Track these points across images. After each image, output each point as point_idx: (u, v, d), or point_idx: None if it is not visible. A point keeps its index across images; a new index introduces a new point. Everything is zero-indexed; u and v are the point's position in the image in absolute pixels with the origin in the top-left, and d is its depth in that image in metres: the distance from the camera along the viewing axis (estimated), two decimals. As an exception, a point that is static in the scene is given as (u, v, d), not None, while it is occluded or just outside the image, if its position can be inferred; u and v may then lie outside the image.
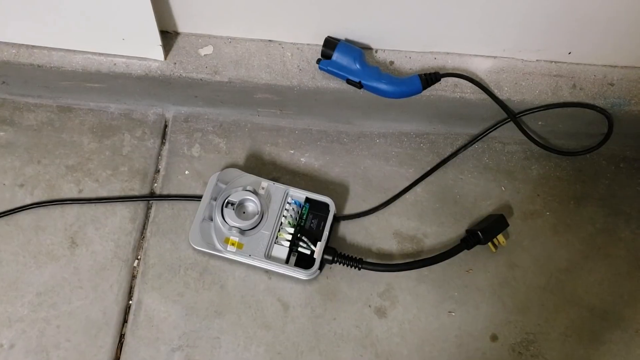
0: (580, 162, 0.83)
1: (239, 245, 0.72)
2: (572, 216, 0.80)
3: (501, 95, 0.76)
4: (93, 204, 0.77)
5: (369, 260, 0.73)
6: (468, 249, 0.75)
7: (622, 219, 0.80)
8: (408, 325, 0.73)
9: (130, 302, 0.73)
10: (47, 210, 0.77)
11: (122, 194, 0.78)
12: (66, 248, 0.75)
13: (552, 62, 0.77)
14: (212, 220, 0.73)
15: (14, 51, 0.76)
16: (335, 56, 0.74)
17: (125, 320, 0.72)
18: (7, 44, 0.76)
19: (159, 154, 0.81)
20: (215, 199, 0.73)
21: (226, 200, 0.72)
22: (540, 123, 0.80)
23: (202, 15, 0.75)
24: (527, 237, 0.78)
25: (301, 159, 0.81)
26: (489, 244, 0.75)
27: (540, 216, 0.79)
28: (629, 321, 0.74)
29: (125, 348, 0.71)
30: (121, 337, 0.72)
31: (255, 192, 0.73)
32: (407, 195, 0.80)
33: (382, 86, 0.73)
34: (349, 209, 0.79)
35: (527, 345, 0.73)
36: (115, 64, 0.76)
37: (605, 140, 0.80)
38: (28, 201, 0.77)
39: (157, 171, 0.80)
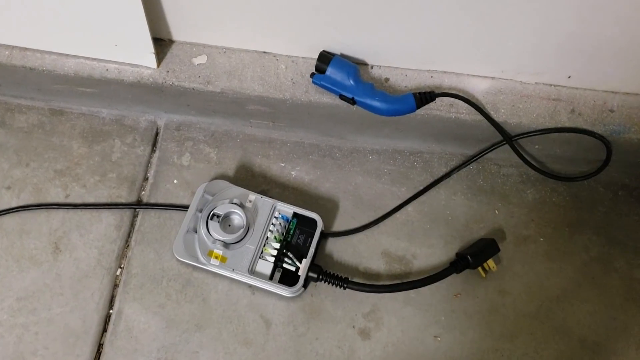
0: (578, 188, 0.81)
1: (223, 259, 0.71)
2: (567, 243, 0.78)
3: (497, 117, 0.74)
4: (79, 210, 0.77)
5: (355, 280, 0.72)
6: (457, 273, 0.73)
7: (618, 248, 0.78)
8: (392, 349, 0.71)
9: (111, 311, 0.72)
10: (33, 214, 0.76)
11: (109, 200, 0.77)
12: (49, 253, 0.74)
13: (551, 85, 0.76)
14: (196, 232, 0.71)
15: (7, 53, 0.76)
16: (330, 71, 0.72)
17: (104, 330, 0.71)
18: (0, 45, 0.76)
19: (149, 162, 0.80)
20: (201, 211, 0.72)
21: (212, 213, 0.71)
22: (537, 147, 0.79)
23: (197, 24, 0.74)
24: (518, 263, 0.76)
25: (292, 173, 0.80)
26: (479, 268, 0.73)
27: (533, 242, 0.77)
28: (621, 355, 0.72)
29: (103, 358, 0.70)
30: (99, 346, 0.71)
31: (241, 205, 0.72)
32: (397, 215, 0.78)
33: (376, 104, 0.72)
34: (337, 226, 0.77)
35: (514, 375, 0.71)
36: (107, 70, 0.76)
37: (603, 167, 0.78)
38: (14, 204, 0.76)
39: (146, 179, 0.79)
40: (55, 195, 0.77)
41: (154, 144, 0.81)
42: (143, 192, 0.78)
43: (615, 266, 0.77)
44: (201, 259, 0.71)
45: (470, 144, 0.80)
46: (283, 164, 0.81)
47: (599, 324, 0.74)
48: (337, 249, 0.76)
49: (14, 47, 0.76)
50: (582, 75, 0.74)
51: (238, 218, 0.72)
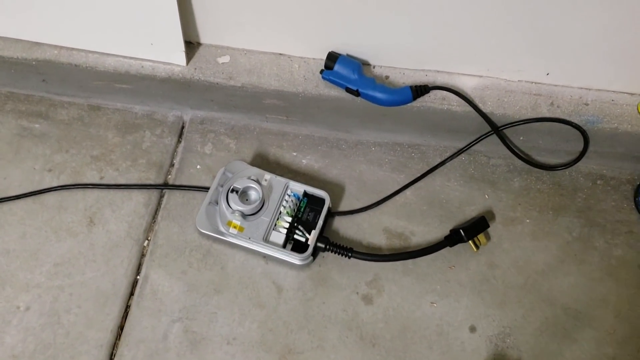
0: (560, 177, 0.90)
1: (240, 229, 0.79)
2: (551, 225, 0.86)
3: (485, 108, 0.84)
4: (112, 190, 0.86)
5: (359, 250, 0.80)
6: (451, 246, 0.81)
7: (597, 230, 0.85)
8: (392, 312, 0.78)
9: (138, 277, 0.80)
10: (71, 192, 0.85)
11: (139, 182, 0.86)
12: (84, 226, 0.83)
13: (532, 82, 0.86)
14: (217, 204, 0.80)
15: (55, 52, 0.87)
16: (337, 67, 0.83)
17: (132, 293, 0.79)
18: (50, 45, 0.87)
19: (175, 150, 0.90)
20: (222, 186, 0.81)
21: (231, 187, 0.80)
22: (522, 138, 0.88)
23: (222, 28, 0.86)
24: (507, 241, 0.84)
25: (302, 161, 0.89)
26: (471, 242, 0.81)
27: (520, 223, 0.85)
28: (600, 322, 0.79)
29: (129, 317, 0.77)
30: (127, 307, 0.78)
31: (258, 182, 0.81)
32: (397, 197, 0.87)
33: (377, 94, 0.82)
34: (343, 207, 0.86)
35: (504, 338, 0.77)
36: (142, 67, 0.86)
37: (581, 155, 0.87)
38: (54, 184, 0.86)
39: (172, 164, 0.89)
40: (91, 177, 0.87)
41: (180, 136, 0.91)
42: (169, 176, 0.88)
43: (595, 245, 0.84)
44: (221, 228, 0.79)
45: (462, 136, 0.90)
46: (295, 154, 0.90)
47: (580, 294, 0.81)
48: (343, 226, 0.84)
49: (61, 47, 0.87)
50: (559, 72, 0.84)
51: (255, 193, 0.81)
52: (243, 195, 0.81)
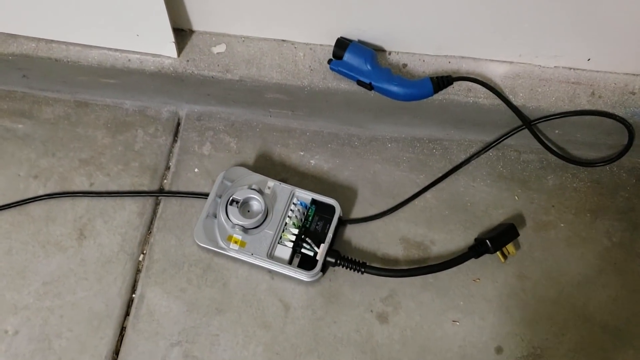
0: (599, 173, 0.80)
1: (242, 244, 0.72)
2: (588, 229, 0.77)
3: (516, 101, 0.74)
4: (103, 198, 0.78)
5: (372, 264, 0.72)
6: (476, 258, 0.73)
7: (641, 234, 0.77)
8: (410, 333, 0.71)
9: (133, 295, 0.74)
10: (58, 201, 0.78)
11: (132, 188, 0.79)
12: (74, 239, 0.76)
13: (570, 68, 0.75)
14: (216, 217, 0.73)
15: (33, 45, 0.78)
16: (347, 57, 0.73)
17: (127, 314, 0.73)
18: (27, 37, 0.78)
19: (170, 151, 0.82)
20: (220, 197, 0.73)
21: (231, 198, 0.72)
22: (557, 132, 0.78)
23: (216, 13, 0.76)
24: (538, 249, 0.75)
25: (311, 161, 0.81)
26: (498, 253, 0.73)
27: (554, 227, 0.77)
28: (643, 340, 0.71)
29: (125, 340, 0.71)
30: (122, 329, 0.72)
31: (260, 191, 0.73)
32: (416, 201, 0.78)
33: (393, 88, 0.73)
34: (356, 213, 0.78)
35: (534, 360, 0.70)
36: (129, 60, 0.77)
37: (625, 151, 0.77)
38: (41, 192, 0.79)
39: (168, 168, 0.81)
40: (80, 183, 0.79)
41: (176, 134, 0.83)
42: (165, 181, 0.80)
43: (638, 251, 0.75)
44: (221, 243, 0.72)
45: (489, 130, 0.80)
46: (302, 153, 0.81)
47: (620, 309, 0.73)
48: (356, 235, 0.77)
49: (40, 39, 0.78)
50: (601, 57, 0.73)
51: (257, 204, 0.73)
52: (244, 206, 0.73)
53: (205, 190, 0.78)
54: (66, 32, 0.77)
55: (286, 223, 0.73)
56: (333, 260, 0.72)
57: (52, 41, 0.78)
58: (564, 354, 0.70)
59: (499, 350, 0.71)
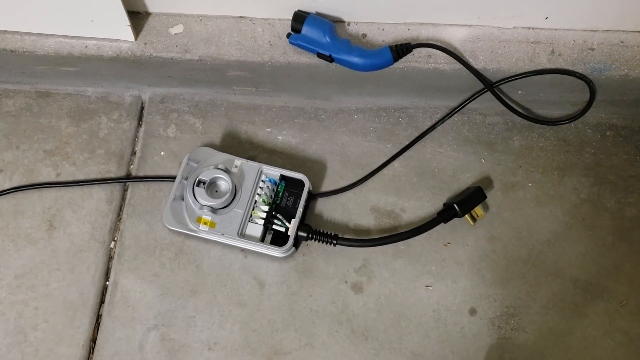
0: (565, 131, 0.80)
1: (212, 224, 0.71)
2: (556, 187, 0.77)
3: (476, 64, 0.74)
4: (71, 187, 0.78)
5: (344, 236, 0.72)
6: (445, 222, 0.73)
7: (608, 188, 0.77)
8: (385, 300, 0.72)
9: (107, 283, 0.74)
10: (26, 194, 0.77)
11: (99, 176, 0.78)
12: (44, 231, 0.76)
13: (529, 28, 0.75)
14: (183, 199, 0.72)
15: (-14, 37, 0.77)
16: (305, 30, 0.72)
17: (102, 301, 0.73)
18: (-21, 30, 0.77)
19: (135, 136, 0.81)
20: (186, 179, 0.73)
21: (197, 179, 0.72)
22: (520, 92, 0.78)
23: (171, -7, 0.74)
24: (507, 210, 0.76)
25: (278, 137, 0.80)
26: (467, 216, 0.73)
27: (521, 188, 0.77)
28: (613, 293, 0.72)
29: (102, 328, 0.71)
30: (98, 317, 0.72)
31: (227, 171, 0.73)
32: (384, 171, 0.78)
33: (353, 59, 0.72)
34: (326, 186, 0.78)
35: (507, 319, 0.71)
36: (86, 47, 0.76)
37: (587, 107, 0.77)
38: (7, 186, 0.78)
39: (134, 153, 0.80)
40: (46, 174, 0.79)
41: (140, 118, 0.82)
42: (132, 166, 0.79)
43: (606, 206, 0.76)
44: (190, 225, 0.72)
45: (453, 95, 0.80)
46: (269, 129, 0.81)
47: (590, 263, 0.74)
48: (327, 208, 0.77)
49: (-7, 30, 0.77)
50: (559, 15, 0.73)
51: (224, 183, 0.73)
52: (211, 187, 0.73)
53: (172, 173, 0.78)
54: (19, 22, 0.75)
55: (256, 201, 0.73)
56: (305, 234, 0.72)
57: (5, 32, 0.76)
58: (537, 311, 0.71)
59: (472, 311, 0.72)
